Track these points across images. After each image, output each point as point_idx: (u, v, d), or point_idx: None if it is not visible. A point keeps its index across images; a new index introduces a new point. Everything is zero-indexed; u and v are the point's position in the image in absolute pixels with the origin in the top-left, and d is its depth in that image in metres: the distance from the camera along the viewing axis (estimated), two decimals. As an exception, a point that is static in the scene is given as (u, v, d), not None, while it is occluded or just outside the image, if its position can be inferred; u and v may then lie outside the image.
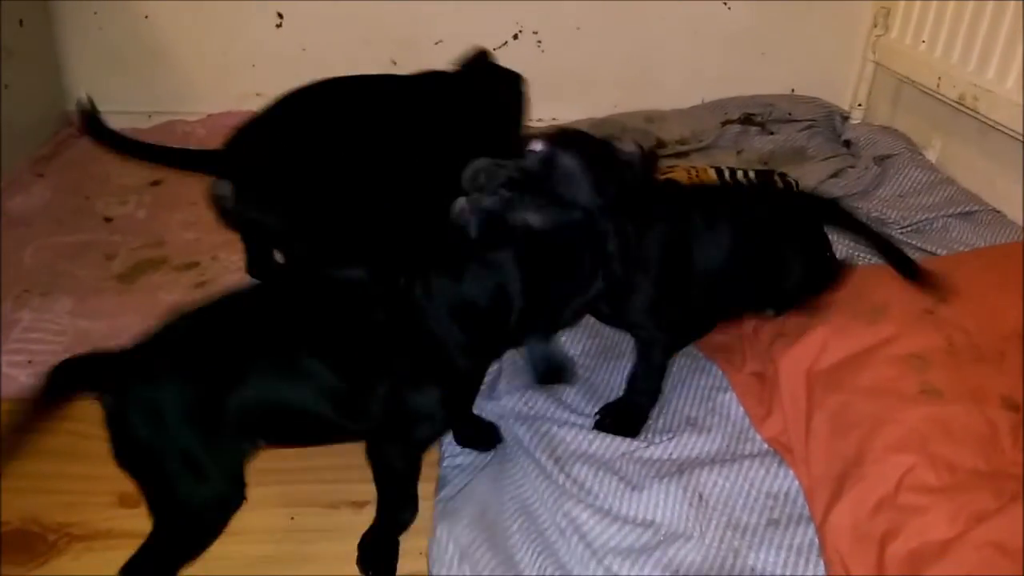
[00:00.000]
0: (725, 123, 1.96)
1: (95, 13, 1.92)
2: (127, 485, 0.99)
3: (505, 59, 2.02)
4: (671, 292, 1.05)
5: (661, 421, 1.09)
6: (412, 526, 0.95)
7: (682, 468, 1.00)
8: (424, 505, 0.97)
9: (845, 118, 1.99)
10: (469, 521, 0.95)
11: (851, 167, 1.74)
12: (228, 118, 1.99)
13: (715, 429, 1.07)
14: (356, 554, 0.94)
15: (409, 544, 0.95)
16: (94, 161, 1.80)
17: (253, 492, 1.00)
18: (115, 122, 1.95)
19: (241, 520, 0.96)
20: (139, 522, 0.95)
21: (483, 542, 0.93)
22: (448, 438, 1.08)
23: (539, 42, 2.04)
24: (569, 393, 1.15)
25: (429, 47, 2.00)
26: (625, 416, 1.09)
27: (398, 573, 0.93)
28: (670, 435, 1.06)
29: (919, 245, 1.47)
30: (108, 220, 1.58)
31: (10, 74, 1.72)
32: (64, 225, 1.54)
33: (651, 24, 2.03)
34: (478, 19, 1.98)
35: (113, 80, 1.97)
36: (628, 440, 1.05)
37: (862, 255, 1.44)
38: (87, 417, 1.10)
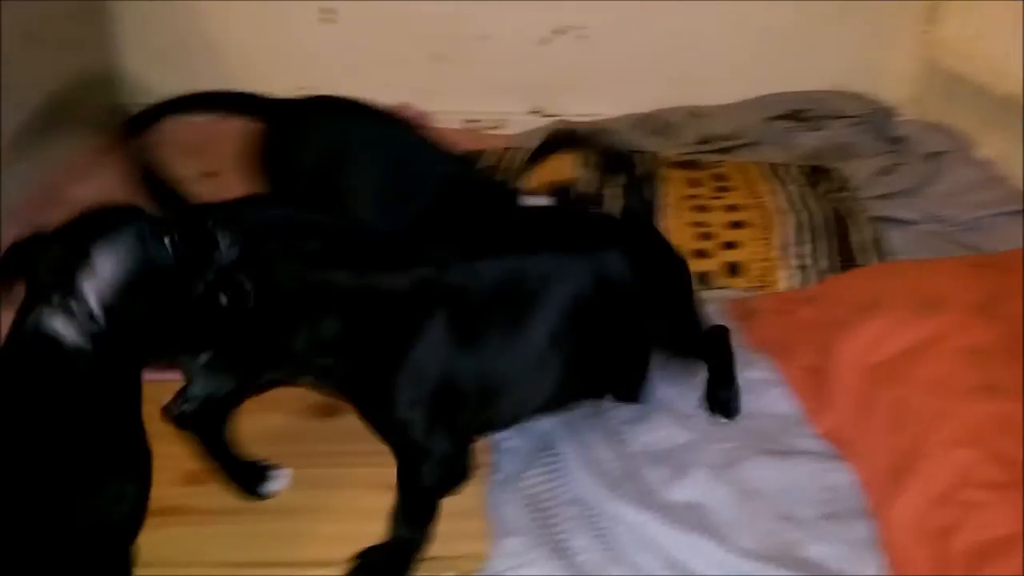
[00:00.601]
0: (771, 119, 1.95)
1: (149, 7, 1.96)
2: (192, 463, 1.03)
3: (548, 54, 2.05)
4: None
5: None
6: (466, 507, 0.97)
7: (732, 461, 1.01)
8: (477, 489, 1.00)
9: (894, 115, 1.97)
10: (522, 506, 0.97)
11: (901, 164, 1.73)
12: (278, 110, 2.03)
13: (766, 422, 1.08)
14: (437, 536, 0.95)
15: (461, 526, 0.96)
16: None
17: (314, 473, 1.04)
18: (169, 113, 2.01)
19: (302, 499, 1.00)
20: (204, 499, 1.00)
21: (536, 527, 0.94)
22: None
23: (584, 37, 2.05)
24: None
25: (473, 42, 2.02)
26: (389, 560, 0.92)
27: (450, 554, 0.94)
28: (721, 429, 1.06)
29: (973, 243, 1.46)
30: (164, 210, 1.61)
31: (68, 65, 1.76)
32: (123, 214, 1.58)
33: (696, 19, 2.02)
34: (522, 14, 1.99)
35: (167, 73, 2.00)
36: (676, 425, 1.05)
37: (918, 250, 1.44)
38: (154, 398, 1.14)
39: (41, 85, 1.68)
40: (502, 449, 1.08)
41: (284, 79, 2.02)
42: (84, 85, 1.84)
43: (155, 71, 2.01)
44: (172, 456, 1.03)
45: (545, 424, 1.09)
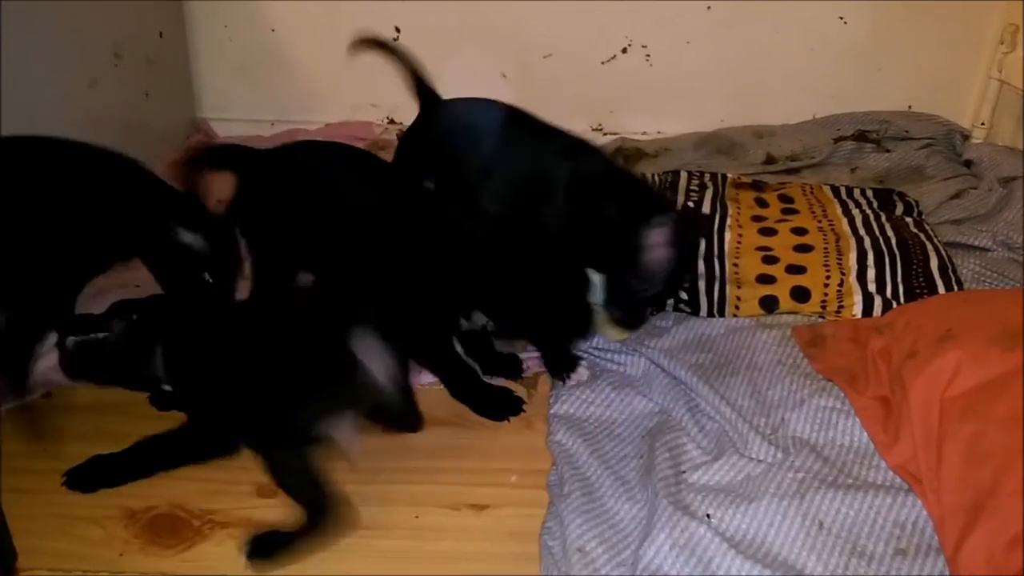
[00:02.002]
0: (838, 139, 1.92)
1: (226, 26, 2.02)
2: (264, 477, 1.06)
3: (613, 72, 2.05)
4: None
5: (780, 443, 1.08)
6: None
7: (802, 491, 0.99)
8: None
9: (966, 137, 1.92)
10: (582, 520, 0.98)
11: (973, 188, 1.69)
12: (344, 128, 2.08)
13: (837, 453, 1.06)
14: (475, 555, 0.98)
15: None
16: (221, 166, 1.90)
17: (380, 489, 1.06)
18: (240, 129, 2.08)
19: (367, 515, 1.02)
20: (275, 512, 1.02)
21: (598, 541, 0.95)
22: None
23: (648, 56, 2.05)
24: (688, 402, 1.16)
25: (539, 60, 2.04)
26: None
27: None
28: (789, 457, 1.05)
29: (1047, 271, 1.42)
30: (239, 223, 1.66)
31: (150, 82, 1.83)
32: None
33: (762, 37, 2.01)
34: (588, 32, 2.00)
35: (240, 88, 2.08)
36: (749, 460, 1.05)
37: (991, 278, 1.41)
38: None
39: (128, 101, 1.74)
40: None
41: (354, 95, 2.08)
42: (165, 101, 1.91)
43: (231, 87, 2.08)
44: (245, 469, 1.07)
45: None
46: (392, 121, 2.09)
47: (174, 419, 1.11)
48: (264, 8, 2.01)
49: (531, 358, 1.28)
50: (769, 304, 1.34)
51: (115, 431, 1.15)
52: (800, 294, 1.34)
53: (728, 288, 1.37)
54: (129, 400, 1.19)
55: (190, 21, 2.01)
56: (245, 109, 2.08)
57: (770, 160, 1.90)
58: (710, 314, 1.35)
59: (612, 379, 1.23)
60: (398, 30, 2.03)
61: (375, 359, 0.94)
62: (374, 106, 2.08)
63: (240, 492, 1.04)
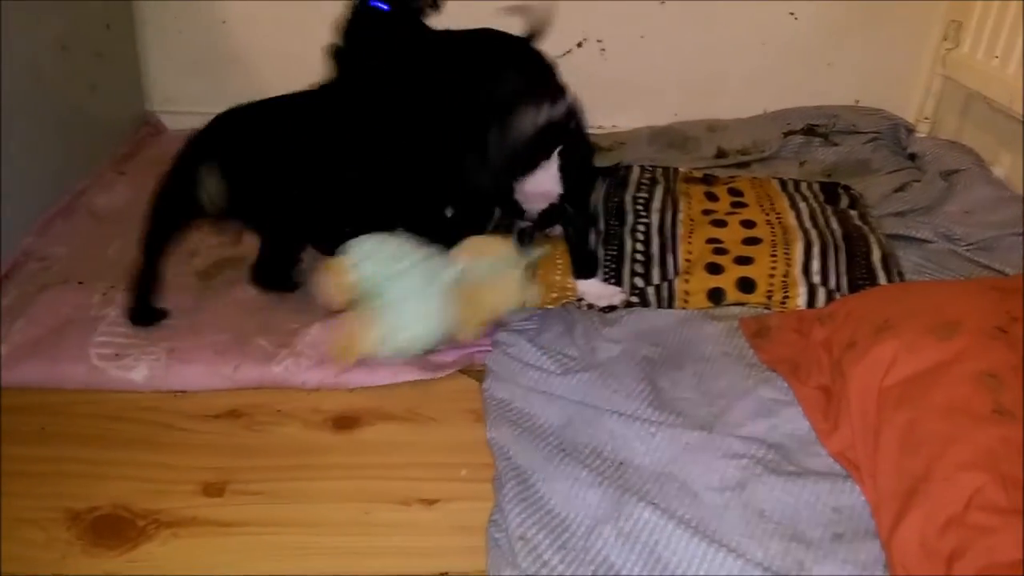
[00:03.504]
0: (788, 133, 1.96)
1: (175, 17, 1.99)
2: (210, 475, 1.06)
3: (569, 67, 2.04)
4: None
5: (723, 432, 1.10)
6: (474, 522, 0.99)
7: (743, 482, 1.01)
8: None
9: (911, 131, 1.97)
10: (520, 508, 0.98)
11: (916, 181, 1.73)
12: (298, 121, 2.05)
13: (779, 442, 1.08)
14: (426, 550, 0.98)
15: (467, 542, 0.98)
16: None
17: (329, 485, 1.06)
18: (191, 122, 2.01)
19: (316, 512, 1.02)
20: (221, 511, 1.01)
21: (538, 527, 0.96)
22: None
23: (602, 50, 2.06)
24: (632, 394, 1.17)
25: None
26: None
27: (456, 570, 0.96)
28: (732, 447, 1.07)
29: (987, 263, 1.46)
30: (188, 218, 1.64)
31: (97, 74, 1.79)
32: (146, 223, 1.60)
33: (715, 33, 2.03)
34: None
35: (190, 82, 2.04)
36: (689, 447, 1.06)
37: (931, 269, 1.44)
38: (174, 409, 1.18)
39: (73, 94, 1.71)
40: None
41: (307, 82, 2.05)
42: (112, 94, 1.88)
43: (180, 80, 2.05)
44: (191, 468, 1.06)
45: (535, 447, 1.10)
46: (346, 115, 2.08)
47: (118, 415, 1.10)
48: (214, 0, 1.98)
49: (480, 351, 1.28)
50: (716, 296, 1.36)
51: (59, 432, 1.14)
52: (746, 285, 1.37)
53: (677, 282, 1.38)
54: (72, 400, 1.18)
55: (139, 13, 1.97)
56: (196, 102, 2.03)
57: (721, 154, 1.93)
58: (659, 307, 1.37)
59: (551, 365, 1.23)
60: (352, 22, 2.01)
61: None
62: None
63: (185, 491, 1.03)
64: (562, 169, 1.32)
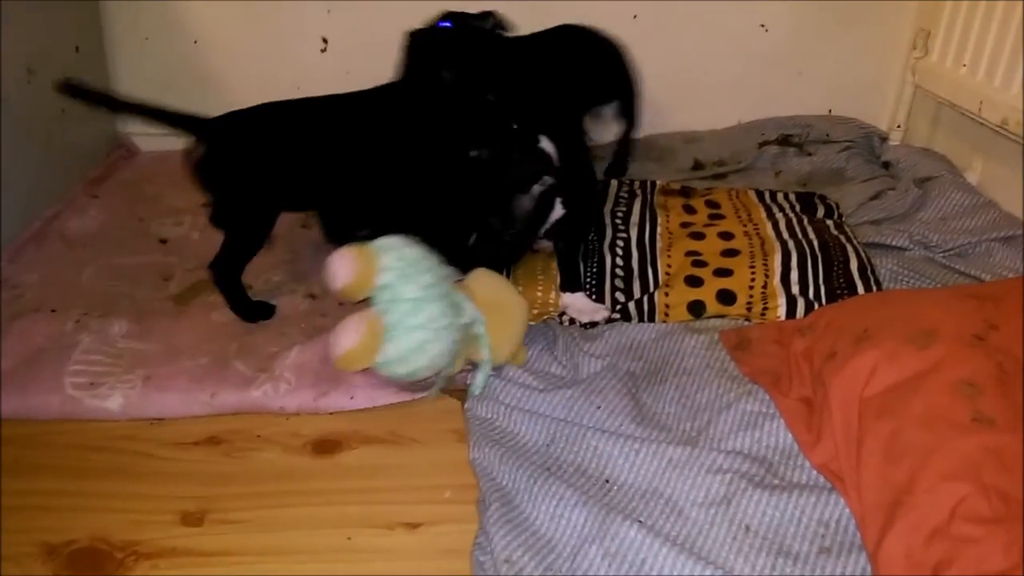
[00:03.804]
0: (762, 144, 1.97)
1: (146, 39, 1.98)
2: (189, 504, 1.04)
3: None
4: None
5: (706, 447, 1.09)
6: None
7: (729, 497, 1.01)
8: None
9: (884, 139, 1.99)
10: (505, 531, 0.97)
11: (891, 189, 1.75)
12: (273, 140, 2.04)
13: (763, 455, 1.08)
14: (411, 574, 0.96)
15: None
16: (145, 182, 1.86)
17: (310, 512, 1.05)
18: (164, 143, 2.02)
19: (297, 540, 1.00)
20: (201, 540, 1.00)
21: (523, 549, 0.95)
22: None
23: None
24: (615, 411, 1.17)
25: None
26: None
27: None
28: (716, 462, 1.07)
29: (962, 269, 1.47)
30: (163, 242, 1.62)
31: (67, 99, 1.77)
32: (121, 247, 1.59)
33: (687, 45, 2.05)
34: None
35: (163, 103, 2.02)
36: (673, 463, 1.06)
37: (908, 277, 1.45)
38: (151, 437, 1.16)
39: (42, 118, 1.69)
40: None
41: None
42: (83, 117, 1.85)
43: (154, 101, 2.02)
44: (169, 497, 1.05)
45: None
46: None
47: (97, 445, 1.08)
48: (185, 20, 1.97)
49: (462, 371, 1.27)
50: (697, 309, 1.36)
51: (35, 464, 1.12)
52: (726, 297, 1.37)
53: (657, 296, 1.38)
54: (47, 431, 1.16)
55: (109, 35, 1.96)
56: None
57: (698, 166, 1.94)
58: (640, 321, 1.37)
59: (534, 382, 1.23)
60: (325, 41, 2.01)
61: None
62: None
63: (164, 522, 1.01)
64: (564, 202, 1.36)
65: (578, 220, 1.42)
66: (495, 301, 1.23)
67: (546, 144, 1.31)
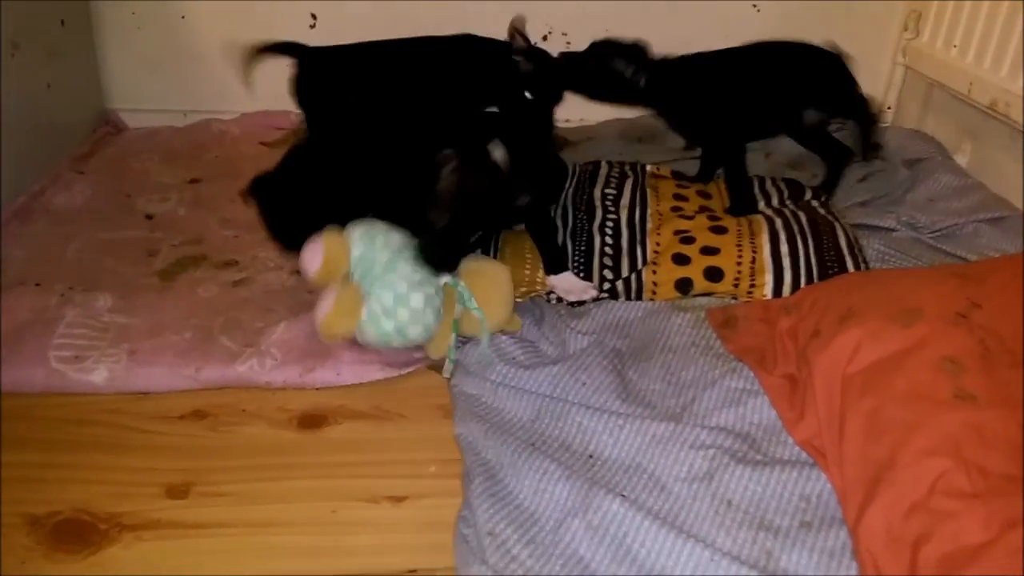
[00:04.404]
0: (753, 125, 1.96)
1: (133, 14, 1.96)
2: (174, 477, 1.04)
3: (534, 60, 2.06)
4: None
5: (690, 423, 1.10)
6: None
7: (711, 472, 1.02)
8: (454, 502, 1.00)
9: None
10: (489, 504, 0.98)
11: (880, 171, 1.75)
12: (262, 117, 2.03)
13: (746, 431, 1.09)
14: (395, 547, 0.97)
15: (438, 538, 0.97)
16: (132, 158, 1.85)
17: (295, 485, 1.05)
18: (152, 120, 2.02)
19: (283, 512, 1.01)
20: (186, 513, 1.00)
21: (507, 522, 0.96)
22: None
23: (568, 43, 2.06)
24: (600, 387, 1.17)
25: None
26: None
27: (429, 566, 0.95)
28: (700, 438, 1.07)
29: (949, 250, 1.48)
30: (149, 217, 1.61)
31: (53, 73, 1.76)
32: (107, 222, 1.58)
33: (680, 25, 2.03)
34: (508, 18, 1.99)
35: (150, 79, 2.01)
36: (657, 438, 1.06)
37: (895, 257, 1.45)
38: (136, 411, 1.16)
39: (28, 93, 1.67)
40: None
41: (269, 84, 2.02)
42: (69, 92, 1.84)
43: (140, 77, 2.01)
44: (154, 470, 1.05)
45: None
46: (310, 111, 2.05)
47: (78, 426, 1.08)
48: (173, -6, 1.95)
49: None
50: (684, 286, 1.37)
51: (19, 436, 1.12)
52: (713, 273, 1.37)
53: (645, 274, 1.38)
54: (32, 404, 1.16)
55: (95, 9, 1.94)
56: (156, 100, 2.02)
57: (689, 146, 1.92)
58: (628, 300, 1.37)
59: (521, 358, 1.23)
60: (314, 17, 1.99)
61: None
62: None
63: (148, 494, 1.02)
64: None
65: (538, 207, 1.40)
66: (474, 268, 1.26)
67: (497, 151, 1.25)
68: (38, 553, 0.94)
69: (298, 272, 1.42)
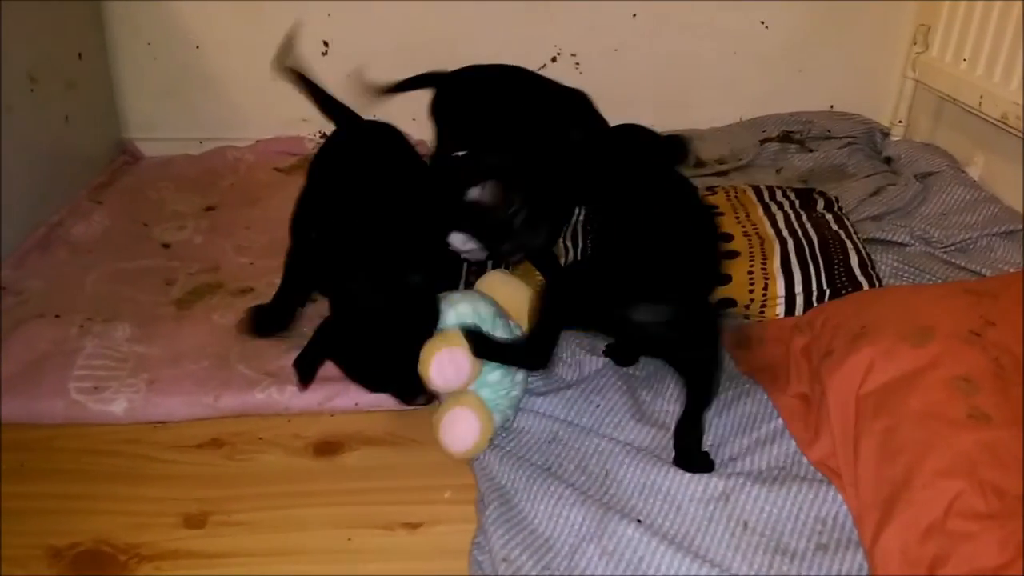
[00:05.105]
0: (764, 141, 1.97)
1: (149, 44, 1.99)
2: (192, 507, 1.05)
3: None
4: None
5: (706, 442, 1.10)
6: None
7: (727, 493, 1.01)
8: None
9: (885, 135, 1.99)
10: (503, 530, 0.98)
11: (892, 185, 1.74)
12: (275, 143, 2.06)
13: (761, 454, 1.09)
14: (410, 574, 0.97)
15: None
16: (149, 188, 1.87)
17: (310, 513, 1.05)
18: (168, 148, 2.05)
19: (299, 541, 1.01)
20: (204, 543, 1.01)
21: (521, 548, 0.96)
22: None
23: (577, 64, 2.07)
24: (615, 409, 1.17)
25: (470, 70, 2.04)
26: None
27: None
28: (716, 457, 1.07)
29: (963, 264, 1.47)
30: (166, 246, 1.63)
31: (71, 105, 1.79)
32: (124, 252, 1.60)
33: (688, 44, 2.05)
34: (518, 42, 2.01)
35: (166, 108, 2.04)
36: (671, 457, 1.07)
37: (908, 273, 1.45)
38: (154, 441, 1.17)
39: (46, 125, 1.71)
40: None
41: (283, 110, 2.06)
42: (87, 123, 1.87)
43: (156, 106, 2.04)
44: (172, 500, 1.06)
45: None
46: (324, 135, 2.07)
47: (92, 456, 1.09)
48: (187, 25, 1.98)
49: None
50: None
51: (39, 467, 1.13)
52: (725, 304, 1.36)
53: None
54: (52, 435, 1.18)
55: (111, 41, 1.97)
56: (172, 128, 2.05)
57: (699, 163, 1.93)
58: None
59: (537, 383, 1.23)
60: (326, 44, 2.02)
61: None
62: (304, 120, 2.06)
63: (166, 524, 1.03)
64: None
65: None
66: (519, 307, 1.23)
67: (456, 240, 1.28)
68: (59, 584, 0.96)
69: (313, 300, 1.42)
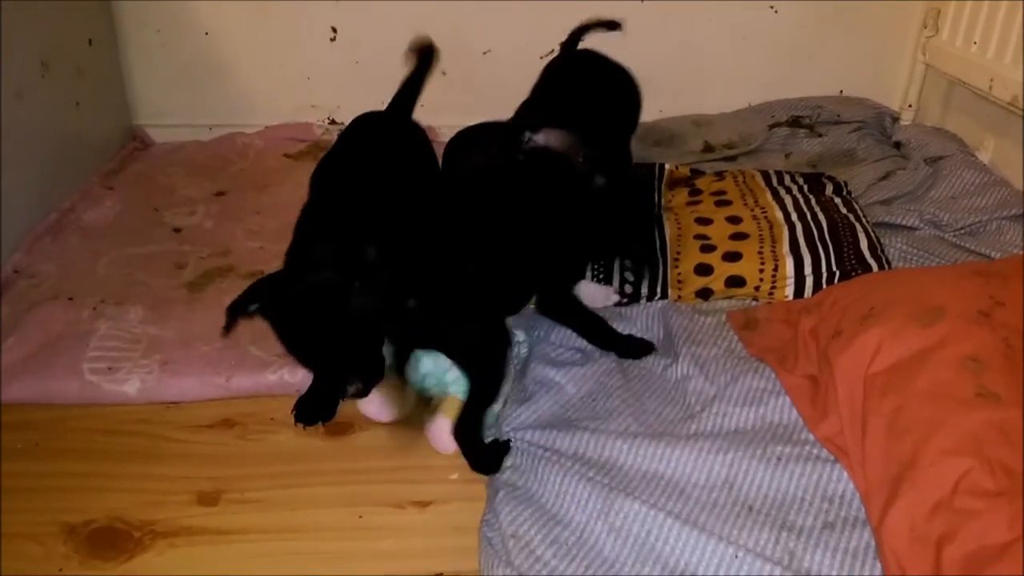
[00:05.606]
0: (773, 126, 1.97)
1: (158, 31, 1.99)
2: (205, 485, 1.06)
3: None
4: None
5: (711, 424, 1.10)
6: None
7: (730, 479, 1.01)
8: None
9: (895, 119, 1.98)
10: (512, 507, 0.99)
11: (901, 169, 1.74)
12: (285, 130, 2.07)
13: (767, 432, 1.09)
14: (420, 552, 0.99)
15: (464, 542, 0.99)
16: (159, 173, 1.88)
17: (323, 491, 1.07)
18: (178, 134, 2.06)
19: (312, 518, 1.03)
20: (217, 519, 1.02)
21: (530, 524, 0.97)
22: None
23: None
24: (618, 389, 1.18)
25: (478, 57, 2.05)
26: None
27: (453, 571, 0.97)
28: (720, 439, 1.08)
29: (973, 248, 1.47)
30: (177, 231, 1.65)
31: (81, 92, 1.80)
32: (136, 236, 1.61)
33: (698, 29, 2.04)
34: (526, 28, 2.01)
35: (176, 95, 2.05)
36: (680, 446, 1.07)
37: (918, 256, 1.45)
38: (167, 421, 1.18)
39: (57, 111, 1.72)
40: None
41: (292, 97, 2.07)
42: (97, 110, 1.88)
43: (166, 93, 2.05)
44: (186, 478, 1.07)
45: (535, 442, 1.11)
46: (333, 121, 2.09)
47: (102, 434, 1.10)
48: (196, 12, 1.99)
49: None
50: (705, 295, 1.37)
51: (54, 447, 1.14)
52: (735, 281, 1.37)
53: (669, 271, 1.39)
54: (66, 415, 1.19)
55: (120, 28, 1.98)
56: (182, 115, 2.06)
57: (708, 148, 1.93)
58: (649, 302, 1.37)
59: (538, 363, 1.24)
60: (335, 30, 2.02)
61: None
62: (313, 107, 2.07)
63: (180, 501, 1.04)
64: None
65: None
66: None
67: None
68: (75, 561, 0.97)
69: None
